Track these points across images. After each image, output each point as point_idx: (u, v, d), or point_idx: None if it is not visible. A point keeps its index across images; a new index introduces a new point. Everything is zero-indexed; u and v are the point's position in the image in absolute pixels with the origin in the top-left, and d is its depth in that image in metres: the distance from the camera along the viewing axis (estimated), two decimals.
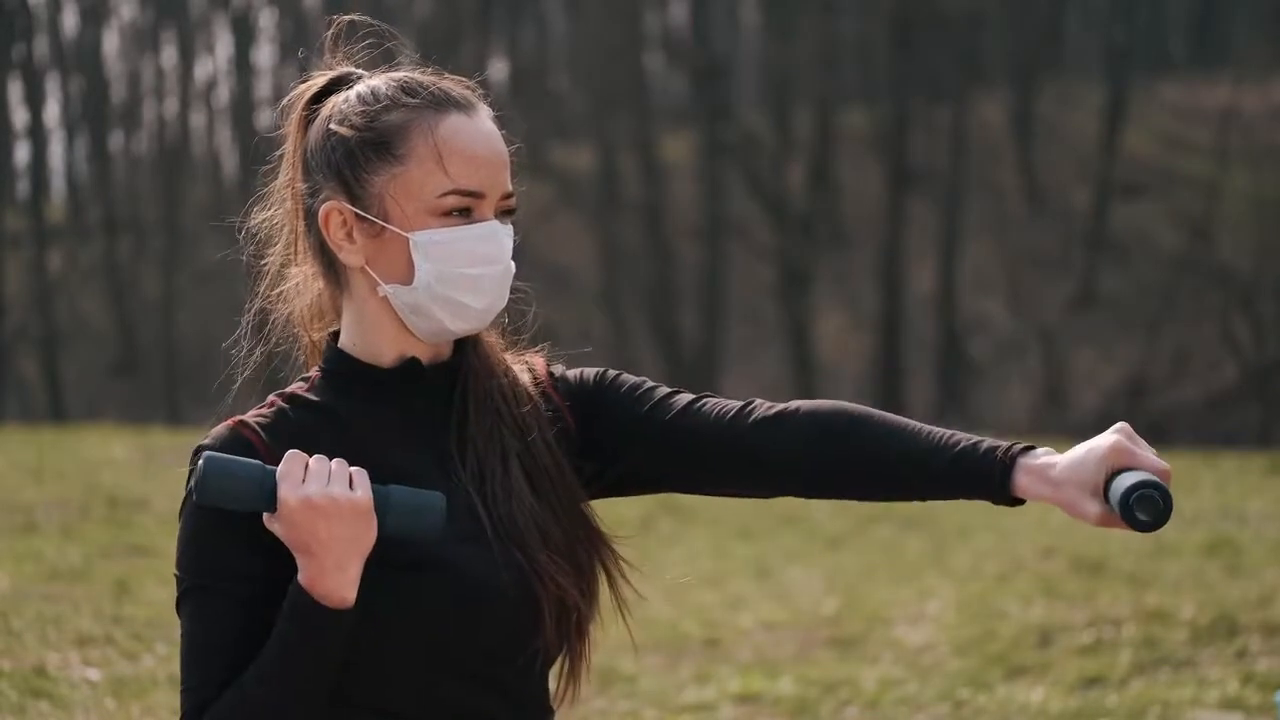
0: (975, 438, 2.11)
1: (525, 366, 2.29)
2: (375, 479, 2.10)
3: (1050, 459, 2.07)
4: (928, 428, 2.15)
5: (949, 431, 2.13)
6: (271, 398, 2.20)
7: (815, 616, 8.17)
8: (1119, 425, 2.09)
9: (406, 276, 2.15)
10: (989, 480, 2.08)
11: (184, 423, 28.25)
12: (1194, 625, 7.22)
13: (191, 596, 2.11)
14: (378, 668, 2.11)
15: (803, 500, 11.35)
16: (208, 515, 2.10)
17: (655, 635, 7.56)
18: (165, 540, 9.82)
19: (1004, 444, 2.09)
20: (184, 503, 2.13)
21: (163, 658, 6.82)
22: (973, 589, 8.62)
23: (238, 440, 2.13)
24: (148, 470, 13.78)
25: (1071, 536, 10.36)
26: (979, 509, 12.01)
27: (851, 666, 7.06)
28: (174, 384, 34.71)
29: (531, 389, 2.26)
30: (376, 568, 2.08)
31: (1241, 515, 11.22)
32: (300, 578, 2.05)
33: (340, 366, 2.21)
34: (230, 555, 2.10)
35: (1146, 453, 2.06)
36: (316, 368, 2.24)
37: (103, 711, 6.03)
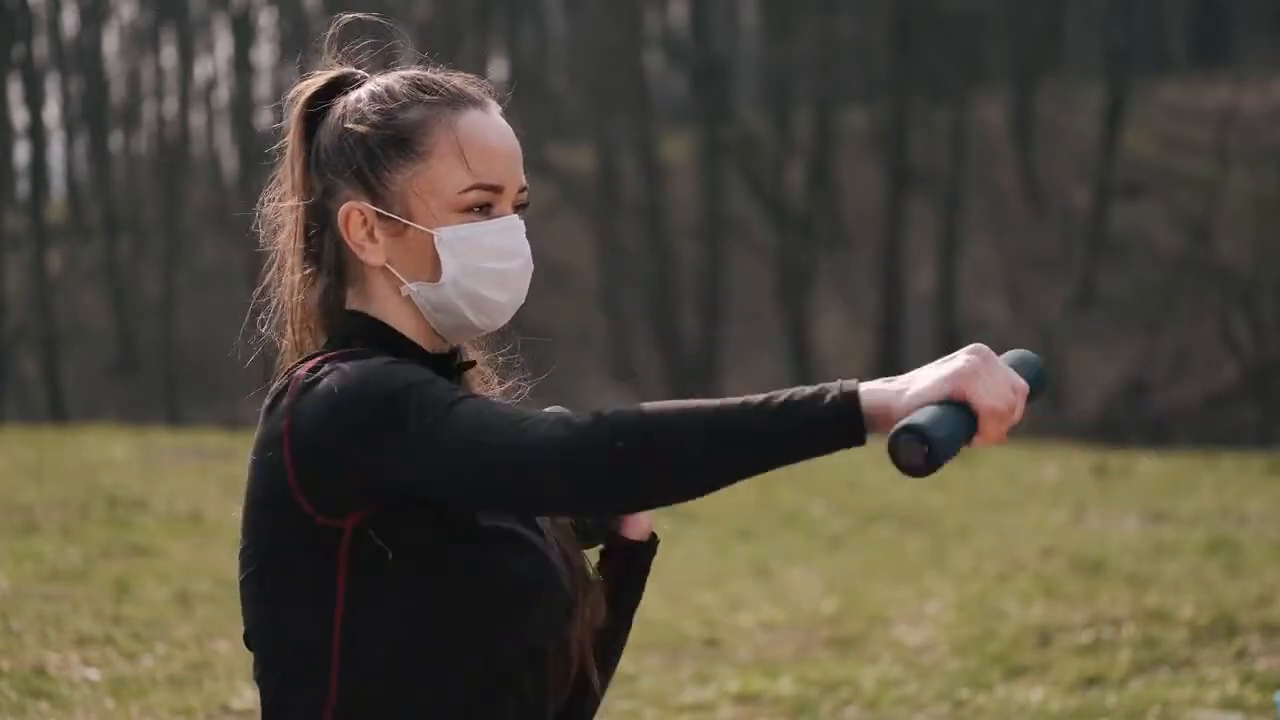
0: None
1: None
2: None
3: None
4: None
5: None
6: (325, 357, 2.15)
7: (815, 616, 8.17)
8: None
9: (431, 274, 2.14)
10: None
11: (184, 423, 28.27)
12: (1193, 625, 7.22)
13: (457, 404, 1.99)
14: (457, 641, 2.09)
15: (803, 500, 11.35)
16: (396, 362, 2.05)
17: (655, 635, 7.56)
18: (165, 540, 9.83)
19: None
20: (335, 375, 2.03)
21: (162, 658, 6.82)
22: (972, 589, 8.62)
23: None
24: (148, 470, 13.78)
25: (1071, 536, 10.36)
26: (978, 509, 12.01)
27: (851, 666, 7.06)
28: (174, 384, 34.71)
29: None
30: (476, 539, 2.08)
31: (1241, 515, 11.22)
32: (868, 385, 1.95)
33: (382, 336, 2.17)
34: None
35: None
36: (340, 340, 2.18)
37: (102, 711, 6.03)
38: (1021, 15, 35.77)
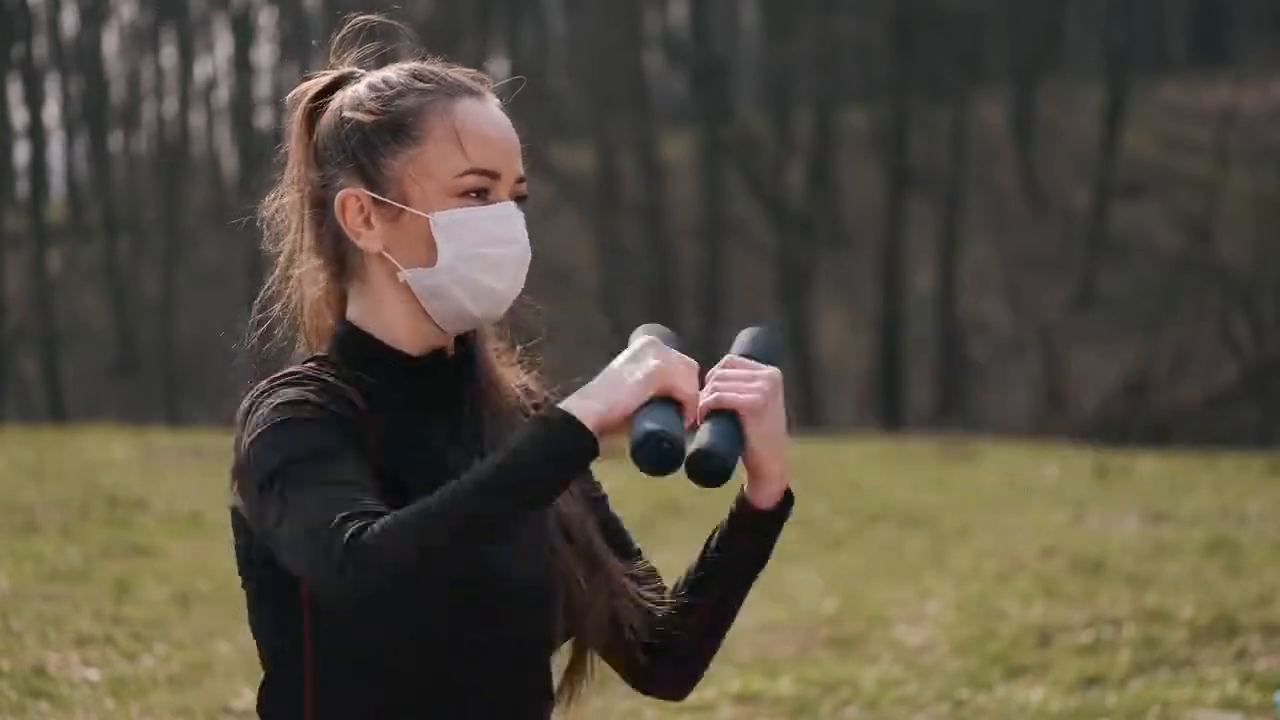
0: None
1: (524, 377, 2.31)
2: (401, 462, 2.12)
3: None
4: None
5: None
6: (296, 368, 2.17)
7: (815, 616, 8.17)
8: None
9: (427, 259, 2.15)
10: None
11: (184, 423, 28.26)
12: (1193, 625, 7.22)
13: (302, 465, 2.03)
14: (396, 648, 2.11)
15: (803, 500, 11.33)
16: (306, 407, 2.07)
17: None
18: (165, 540, 9.83)
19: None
20: (262, 410, 2.08)
21: (162, 658, 6.82)
22: (972, 589, 8.61)
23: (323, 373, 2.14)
24: (148, 470, 13.78)
25: (1071, 536, 10.36)
26: (978, 509, 12.01)
27: (851, 666, 7.06)
28: (174, 384, 34.71)
29: (527, 397, 2.28)
30: None
31: (1241, 515, 11.21)
32: (567, 402, 2.03)
33: (360, 348, 2.19)
34: (340, 435, 2.08)
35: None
36: (325, 349, 2.21)
37: (102, 711, 6.03)
38: (1021, 15, 35.76)
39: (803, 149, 35.96)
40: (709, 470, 2.07)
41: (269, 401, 2.09)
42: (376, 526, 1.94)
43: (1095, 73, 36.11)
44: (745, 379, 2.12)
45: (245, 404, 2.13)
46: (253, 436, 2.07)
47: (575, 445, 1.99)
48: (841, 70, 35.87)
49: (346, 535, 1.94)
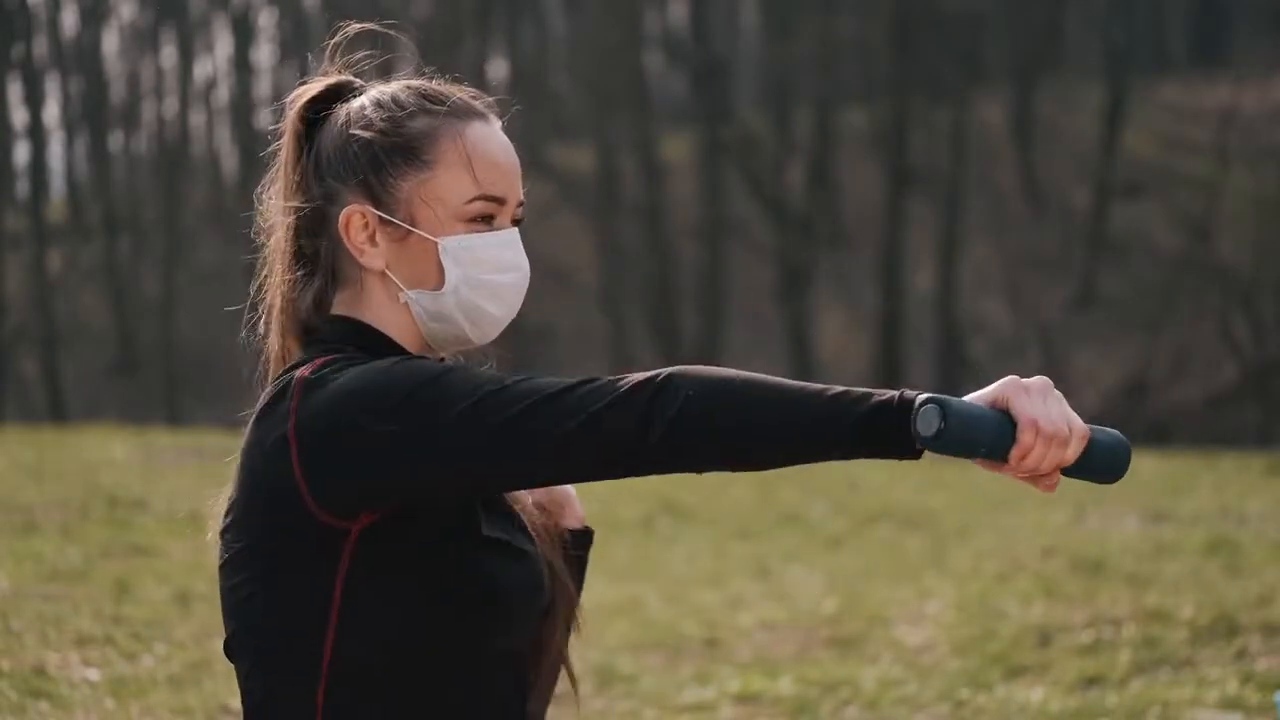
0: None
1: None
2: None
3: None
4: None
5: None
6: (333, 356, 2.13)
7: (815, 616, 8.17)
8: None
9: (432, 282, 2.16)
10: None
11: (184, 423, 28.27)
12: (1194, 625, 7.22)
13: (506, 381, 2.01)
14: (441, 655, 2.10)
15: (803, 500, 11.35)
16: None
17: (655, 635, 7.56)
18: (165, 540, 9.83)
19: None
20: (404, 368, 2.03)
21: (162, 658, 6.82)
22: (972, 589, 8.62)
23: None
24: (148, 470, 13.78)
25: (1071, 536, 10.36)
26: (978, 509, 12.01)
27: (851, 666, 7.06)
28: (174, 384, 34.72)
29: None
30: (474, 546, 2.09)
31: (1241, 515, 11.22)
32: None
33: (380, 345, 2.16)
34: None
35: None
36: (329, 349, 2.15)
37: (102, 711, 6.03)
38: (1021, 15, 35.76)
39: (803, 149, 35.97)
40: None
41: (356, 365, 2.05)
42: (677, 382, 1.94)
43: (1095, 73, 36.11)
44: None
45: (302, 383, 2.06)
46: (366, 378, 2.02)
47: (901, 449, 1.94)
48: (841, 70, 35.86)
49: (660, 377, 1.95)
